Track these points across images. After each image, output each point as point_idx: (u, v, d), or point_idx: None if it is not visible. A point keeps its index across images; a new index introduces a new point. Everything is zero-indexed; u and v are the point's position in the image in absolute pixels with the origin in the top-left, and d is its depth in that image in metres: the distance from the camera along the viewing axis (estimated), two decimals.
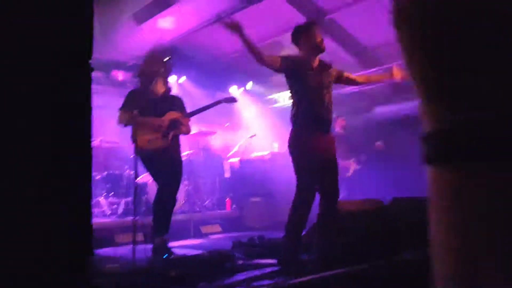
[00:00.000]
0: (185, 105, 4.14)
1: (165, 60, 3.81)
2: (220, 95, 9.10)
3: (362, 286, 2.63)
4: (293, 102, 3.48)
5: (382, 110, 7.24)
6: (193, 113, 4.07)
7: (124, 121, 3.82)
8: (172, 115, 3.93)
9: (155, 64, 3.84)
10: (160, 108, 3.86)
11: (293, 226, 3.14)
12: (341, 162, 6.05)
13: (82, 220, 1.31)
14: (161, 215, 3.76)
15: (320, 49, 3.36)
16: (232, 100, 4.32)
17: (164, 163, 3.84)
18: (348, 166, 6.39)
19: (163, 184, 3.83)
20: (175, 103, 4.07)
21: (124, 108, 3.84)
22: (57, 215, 1.27)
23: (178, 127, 3.92)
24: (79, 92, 1.28)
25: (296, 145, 3.32)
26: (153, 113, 3.82)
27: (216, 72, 8.71)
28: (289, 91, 3.55)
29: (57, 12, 1.27)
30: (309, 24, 3.51)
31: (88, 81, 1.30)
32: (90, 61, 1.28)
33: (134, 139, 3.75)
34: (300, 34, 3.47)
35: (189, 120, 4.06)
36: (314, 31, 3.39)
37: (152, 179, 4.09)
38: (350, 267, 2.65)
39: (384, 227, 3.21)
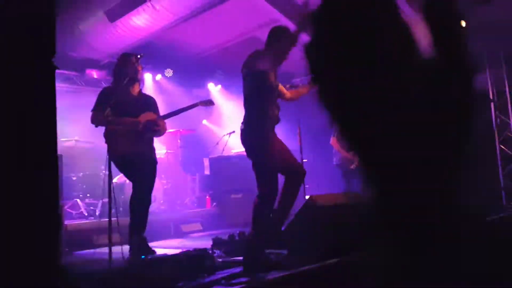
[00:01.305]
0: (157, 105, 4.08)
1: (138, 57, 3.73)
2: (197, 92, 9.06)
3: (339, 279, 2.65)
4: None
5: None
6: (169, 116, 4.01)
7: (96, 122, 3.72)
8: (148, 116, 3.86)
9: (128, 64, 3.76)
10: (134, 108, 3.78)
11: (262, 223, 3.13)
12: (344, 154, 6.12)
13: (48, 226, 1.26)
14: (137, 214, 3.70)
15: (286, 58, 3.34)
16: (209, 103, 4.28)
17: (139, 164, 3.77)
18: (352, 158, 6.30)
19: (139, 184, 3.77)
20: (149, 102, 4.00)
21: (96, 108, 3.75)
22: (22, 221, 1.23)
23: (153, 128, 3.85)
24: (40, 90, 1.22)
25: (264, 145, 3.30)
26: (127, 113, 3.73)
27: (193, 69, 8.64)
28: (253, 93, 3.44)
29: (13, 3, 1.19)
30: (292, 31, 3.50)
31: (50, 79, 1.24)
32: (52, 58, 1.20)
33: (108, 140, 3.68)
34: (282, 36, 3.45)
35: (164, 122, 4.00)
36: (294, 40, 3.36)
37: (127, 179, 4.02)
38: (326, 261, 2.67)
39: (360, 220, 3.24)
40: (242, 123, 3.46)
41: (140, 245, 3.55)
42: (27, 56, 1.19)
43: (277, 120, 3.36)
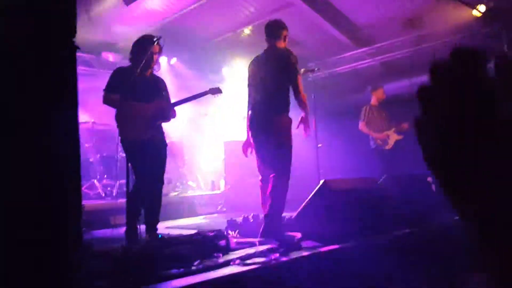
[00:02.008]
0: (167, 88, 4.04)
1: (155, 39, 3.71)
2: (212, 77, 9.06)
3: (355, 263, 2.68)
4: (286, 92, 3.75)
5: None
6: (178, 103, 3.95)
7: (108, 102, 3.72)
8: (159, 104, 3.83)
9: (146, 47, 3.73)
10: (145, 91, 3.73)
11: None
12: (377, 136, 6.17)
13: (71, 203, 1.30)
14: (135, 205, 3.67)
15: None
16: (218, 91, 4.14)
17: (149, 152, 3.75)
18: (385, 138, 6.35)
19: (150, 169, 3.76)
20: (159, 85, 3.96)
21: (109, 88, 3.72)
22: (44, 199, 1.26)
23: (164, 116, 3.84)
24: (63, 70, 1.24)
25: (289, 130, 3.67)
26: (138, 96, 3.69)
27: (208, 54, 8.64)
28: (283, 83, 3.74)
29: None
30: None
31: (72, 60, 1.26)
32: (74, 39, 1.22)
33: (119, 124, 3.67)
34: (283, 29, 3.85)
35: (174, 110, 3.96)
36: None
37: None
38: (342, 244, 2.70)
39: (375, 205, 3.26)
40: (259, 105, 3.73)
41: (135, 232, 3.59)
42: (51, 35, 1.20)
43: None
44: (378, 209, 3.29)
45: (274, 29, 3.87)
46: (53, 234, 1.35)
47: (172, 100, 4.03)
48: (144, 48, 3.71)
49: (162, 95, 3.91)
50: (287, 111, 3.72)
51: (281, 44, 3.83)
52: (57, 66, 1.25)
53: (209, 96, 4.13)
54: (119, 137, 3.75)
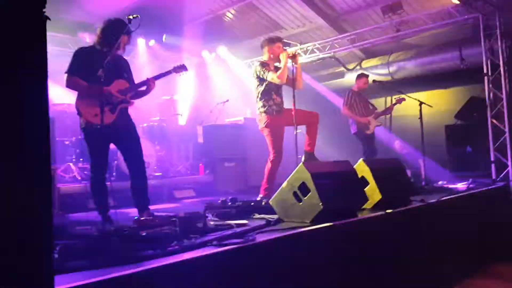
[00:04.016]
0: (130, 68, 3.88)
1: (131, 17, 3.58)
2: (191, 60, 8.95)
3: (330, 245, 2.72)
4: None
5: (354, 76, 7.30)
6: (142, 84, 3.78)
7: (72, 86, 3.53)
8: (120, 85, 3.66)
9: (116, 32, 3.53)
10: (109, 72, 3.46)
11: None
12: (359, 120, 6.42)
13: (41, 187, 1.26)
14: (97, 191, 3.62)
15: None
16: (182, 68, 4.00)
17: (116, 136, 3.65)
18: (367, 123, 6.52)
19: (126, 156, 3.72)
20: (122, 66, 3.79)
21: (71, 70, 3.52)
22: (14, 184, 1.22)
23: (126, 99, 3.68)
24: (32, 44, 1.17)
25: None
26: (101, 78, 3.37)
27: (187, 36, 8.51)
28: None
29: None
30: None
31: (42, 31, 1.18)
32: (43, 8, 1.15)
33: (79, 111, 3.54)
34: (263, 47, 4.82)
35: (144, 91, 3.82)
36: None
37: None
38: (316, 225, 2.73)
39: (351, 188, 3.30)
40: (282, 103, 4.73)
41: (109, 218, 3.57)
42: (15, 3, 1.13)
43: None
44: (353, 191, 3.33)
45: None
46: (22, 220, 1.31)
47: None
48: (115, 34, 3.53)
49: (123, 77, 3.73)
50: None
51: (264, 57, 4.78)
52: (24, 38, 1.19)
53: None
54: (80, 120, 3.58)
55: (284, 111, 4.67)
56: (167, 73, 3.94)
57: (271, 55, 4.71)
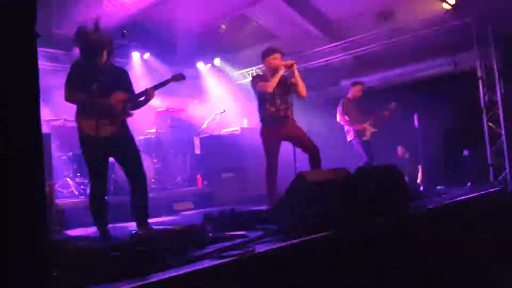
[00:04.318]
0: (130, 79, 3.85)
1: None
2: (186, 72, 8.97)
3: (327, 253, 2.71)
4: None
5: (348, 83, 7.34)
6: (141, 94, 3.75)
7: (71, 99, 3.51)
8: (119, 96, 3.63)
9: (86, 36, 3.50)
10: (106, 84, 3.51)
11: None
12: (355, 127, 6.43)
13: (36, 206, 1.25)
14: (97, 207, 3.60)
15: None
16: (180, 77, 3.97)
17: (115, 150, 3.63)
18: (363, 130, 6.51)
19: (126, 168, 3.71)
20: (121, 77, 3.76)
21: (70, 84, 3.49)
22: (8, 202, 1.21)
23: (126, 110, 3.66)
24: (23, 60, 1.17)
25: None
26: (99, 89, 3.44)
27: (182, 48, 8.54)
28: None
29: None
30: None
31: (33, 48, 1.17)
32: (34, 26, 1.13)
33: (78, 124, 3.52)
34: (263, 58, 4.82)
35: (143, 101, 3.81)
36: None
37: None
38: (314, 235, 2.72)
39: (349, 195, 3.29)
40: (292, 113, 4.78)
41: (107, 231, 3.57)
42: (4, 21, 1.12)
43: None
44: (351, 199, 3.33)
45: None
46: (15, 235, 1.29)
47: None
48: (82, 40, 3.52)
49: (122, 88, 3.71)
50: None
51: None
52: (16, 55, 1.19)
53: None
54: (78, 134, 3.56)
55: (285, 122, 4.69)
56: (166, 82, 3.91)
57: (267, 67, 4.75)
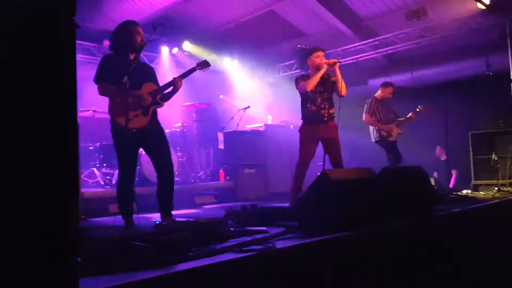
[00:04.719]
0: (155, 74, 3.95)
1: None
2: (213, 66, 9.02)
3: (352, 253, 2.68)
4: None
5: (377, 83, 7.23)
6: (168, 85, 3.82)
7: (105, 93, 3.61)
8: (149, 87, 3.72)
9: (133, 32, 3.62)
10: (134, 78, 3.58)
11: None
12: (381, 127, 6.35)
13: (67, 196, 1.28)
14: (124, 196, 3.65)
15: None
16: (205, 64, 4.03)
17: (146, 140, 3.68)
18: (390, 130, 6.38)
19: (155, 159, 3.75)
20: (148, 72, 3.86)
21: (101, 78, 3.60)
22: (38, 188, 1.24)
23: (157, 100, 3.73)
24: (62, 50, 1.20)
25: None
26: (130, 82, 3.52)
27: (209, 43, 8.60)
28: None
29: None
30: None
31: (72, 40, 1.21)
32: (73, 17, 1.17)
33: (111, 115, 3.57)
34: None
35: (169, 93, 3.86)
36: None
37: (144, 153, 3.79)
38: (338, 234, 2.70)
39: (374, 195, 3.25)
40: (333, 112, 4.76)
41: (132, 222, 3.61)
42: (48, 13, 1.16)
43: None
44: (376, 199, 3.28)
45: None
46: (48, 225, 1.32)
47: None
48: (127, 33, 3.62)
49: (151, 80, 3.80)
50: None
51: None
52: (57, 47, 1.22)
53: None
54: (110, 126, 3.63)
55: (324, 122, 4.65)
56: (192, 70, 3.98)
57: (311, 66, 4.74)
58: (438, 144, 7.84)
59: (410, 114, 6.53)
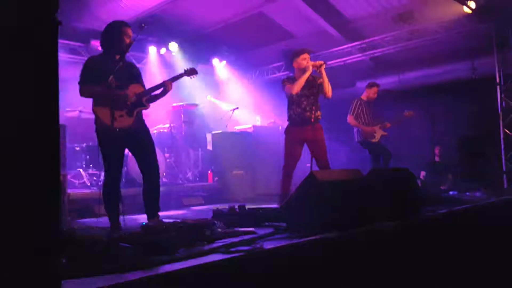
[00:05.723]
0: (141, 75, 3.89)
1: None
2: (201, 67, 9.00)
3: (339, 254, 2.69)
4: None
5: (364, 85, 7.28)
6: (155, 88, 3.80)
7: (86, 94, 3.56)
8: (135, 88, 3.68)
9: (122, 34, 3.60)
10: (120, 79, 3.53)
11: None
12: (364, 129, 6.36)
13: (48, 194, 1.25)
14: (110, 197, 3.60)
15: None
16: (193, 72, 4.03)
17: (130, 141, 3.65)
18: (372, 132, 6.44)
19: (139, 162, 3.72)
20: (134, 72, 3.82)
21: (83, 80, 3.55)
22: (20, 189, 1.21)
23: (142, 102, 3.70)
24: (43, 49, 1.17)
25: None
26: (116, 82, 3.48)
27: (197, 44, 8.57)
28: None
29: None
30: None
31: (54, 37, 1.18)
32: (55, 13, 1.14)
33: (96, 115, 3.53)
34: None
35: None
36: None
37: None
38: (326, 234, 2.71)
39: (361, 196, 3.27)
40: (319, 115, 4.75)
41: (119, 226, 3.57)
42: (28, 8, 1.13)
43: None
44: (363, 200, 3.30)
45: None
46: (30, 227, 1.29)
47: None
48: (116, 33, 3.59)
49: (136, 81, 3.76)
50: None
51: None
52: (36, 43, 1.20)
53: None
54: (95, 126, 3.60)
55: (310, 124, 4.65)
56: (179, 76, 3.98)
57: (297, 68, 4.75)
58: (438, 144, 7.90)
59: (396, 120, 6.59)
